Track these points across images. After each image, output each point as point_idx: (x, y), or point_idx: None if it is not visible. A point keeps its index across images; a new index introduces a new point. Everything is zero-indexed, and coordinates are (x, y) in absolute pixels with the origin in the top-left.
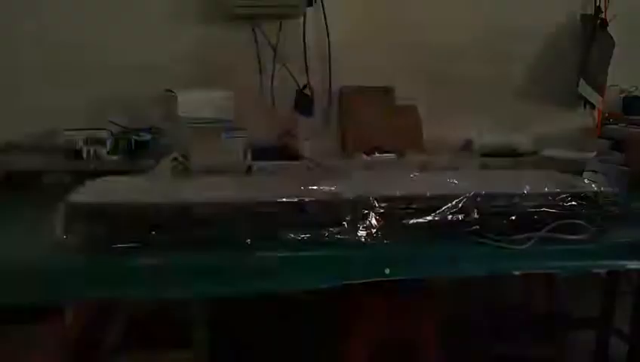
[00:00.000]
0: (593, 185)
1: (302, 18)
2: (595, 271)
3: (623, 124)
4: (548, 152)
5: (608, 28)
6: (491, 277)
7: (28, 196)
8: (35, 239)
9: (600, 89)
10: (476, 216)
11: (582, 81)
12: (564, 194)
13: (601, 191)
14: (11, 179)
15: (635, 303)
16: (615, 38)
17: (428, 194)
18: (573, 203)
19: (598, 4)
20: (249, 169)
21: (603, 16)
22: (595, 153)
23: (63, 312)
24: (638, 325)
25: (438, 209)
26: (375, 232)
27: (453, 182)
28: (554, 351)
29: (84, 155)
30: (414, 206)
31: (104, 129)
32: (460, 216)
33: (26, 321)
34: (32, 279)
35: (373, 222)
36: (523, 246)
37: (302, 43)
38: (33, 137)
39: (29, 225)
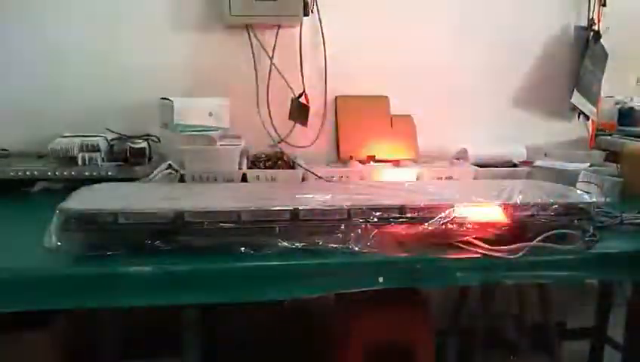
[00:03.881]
0: (586, 196)
1: (298, 27)
2: (588, 281)
3: (617, 135)
4: (542, 163)
5: (602, 40)
6: (484, 286)
7: (22, 203)
8: (28, 246)
9: (593, 100)
10: (469, 225)
11: (575, 93)
12: (556, 204)
13: (593, 202)
14: (5, 186)
15: (629, 313)
16: (608, 50)
17: (422, 204)
18: (566, 213)
19: (591, 16)
20: (244, 177)
21: (596, 28)
22: (588, 164)
23: (56, 321)
24: (631, 335)
25: (432, 218)
26: (369, 241)
27: (447, 192)
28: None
29: (80, 162)
30: (408, 215)
31: (100, 136)
32: (453, 226)
33: (18, 330)
34: (26, 287)
35: (367, 231)
36: (515, 256)
37: (298, 52)
38: (28, 143)
39: (23, 232)
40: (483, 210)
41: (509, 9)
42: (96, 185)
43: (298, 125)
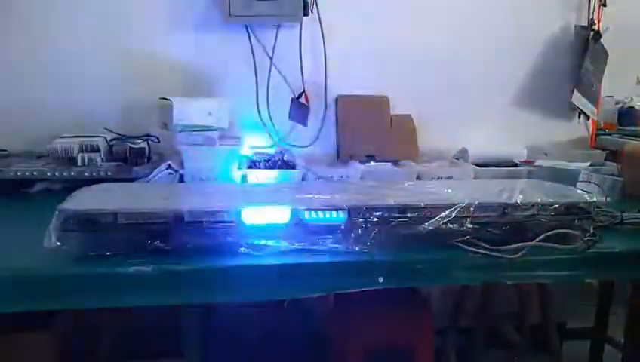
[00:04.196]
0: (586, 195)
1: (298, 27)
2: (588, 280)
3: (617, 135)
4: (542, 162)
5: (602, 39)
6: (484, 286)
7: (22, 203)
8: (28, 246)
9: (594, 100)
10: (469, 225)
11: (575, 92)
12: (557, 204)
13: (594, 201)
14: (5, 186)
15: (629, 313)
16: (608, 50)
17: (422, 204)
18: (567, 213)
19: (591, 16)
20: (244, 177)
21: (596, 28)
22: (589, 163)
23: (55, 321)
24: (631, 334)
25: (432, 218)
26: (369, 241)
27: (447, 192)
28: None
29: (79, 162)
30: (408, 215)
31: (99, 136)
32: (454, 226)
33: (18, 330)
34: (26, 287)
35: (367, 231)
36: (516, 256)
37: (298, 52)
38: (27, 144)
39: (23, 232)
40: (482, 209)
41: (510, 9)
42: (95, 186)
43: (298, 125)
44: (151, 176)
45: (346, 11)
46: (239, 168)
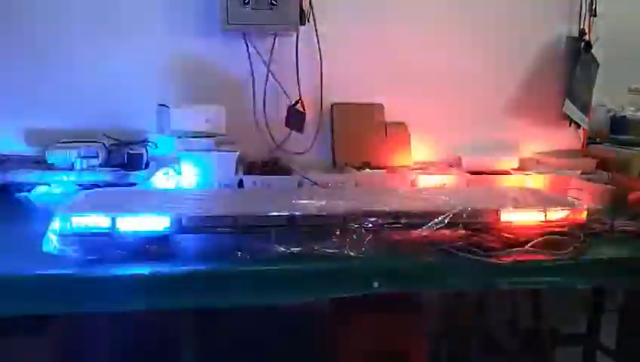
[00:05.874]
0: (577, 203)
1: (295, 36)
2: (579, 286)
3: (608, 143)
4: (534, 170)
5: (593, 50)
6: (477, 291)
7: (21, 208)
8: (27, 251)
9: (585, 109)
10: (462, 231)
11: (567, 101)
12: (548, 211)
13: (585, 209)
14: (4, 191)
15: (621, 319)
16: (599, 60)
17: (416, 210)
18: (558, 220)
19: (582, 26)
20: (240, 183)
21: (587, 38)
22: (580, 171)
23: (54, 325)
24: (623, 341)
25: (426, 224)
26: (363, 246)
27: (440, 198)
28: None
29: (78, 168)
30: (402, 221)
31: (98, 142)
32: (447, 232)
33: (16, 334)
34: (24, 291)
35: (362, 236)
36: (507, 262)
37: (294, 60)
38: (26, 149)
39: (22, 237)
40: (475, 216)
41: (503, 21)
42: (94, 191)
43: (294, 132)
44: (149, 181)
45: (342, 20)
46: (236, 174)
